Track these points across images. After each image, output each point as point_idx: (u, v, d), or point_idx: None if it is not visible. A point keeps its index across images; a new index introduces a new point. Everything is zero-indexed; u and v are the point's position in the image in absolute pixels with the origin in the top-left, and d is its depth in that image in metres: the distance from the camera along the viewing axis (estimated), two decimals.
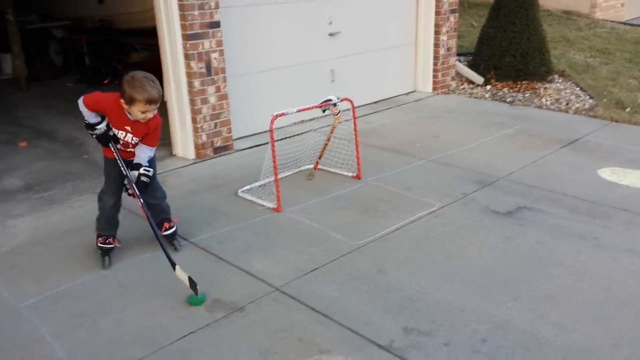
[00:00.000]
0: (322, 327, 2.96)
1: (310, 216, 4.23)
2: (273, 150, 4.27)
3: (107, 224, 3.63)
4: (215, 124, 5.52)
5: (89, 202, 4.52)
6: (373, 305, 3.14)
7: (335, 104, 4.67)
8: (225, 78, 5.49)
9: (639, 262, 3.52)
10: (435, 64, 7.86)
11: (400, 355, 2.74)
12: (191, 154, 5.51)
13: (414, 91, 8.00)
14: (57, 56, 10.02)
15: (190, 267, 3.43)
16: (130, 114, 3.28)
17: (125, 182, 3.45)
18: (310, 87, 6.45)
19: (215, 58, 5.36)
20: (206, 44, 5.28)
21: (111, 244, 3.64)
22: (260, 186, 4.65)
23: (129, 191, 3.47)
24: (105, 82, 8.93)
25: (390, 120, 6.71)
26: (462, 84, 8.15)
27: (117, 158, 3.40)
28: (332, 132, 4.86)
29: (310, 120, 6.47)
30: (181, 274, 3.21)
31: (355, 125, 4.87)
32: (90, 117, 3.33)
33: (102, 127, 3.35)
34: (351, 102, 4.78)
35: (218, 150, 5.59)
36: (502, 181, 4.82)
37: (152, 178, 3.51)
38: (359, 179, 4.89)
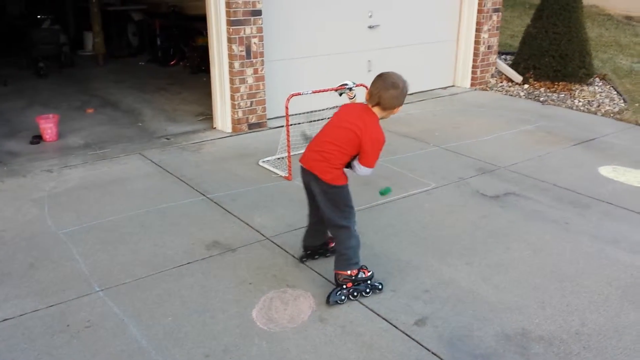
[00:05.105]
0: (295, 269, 3.53)
1: None
2: (287, 126, 4.85)
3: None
4: (251, 102, 6.16)
5: (135, 160, 5.32)
6: None
7: (350, 89, 5.17)
8: (263, 62, 6.11)
9: (597, 246, 3.84)
10: (474, 61, 8.17)
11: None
12: (228, 127, 6.19)
13: (452, 86, 8.34)
14: (134, 37, 11.06)
15: (201, 216, 4.12)
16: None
17: None
18: (346, 76, 6.89)
19: (254, 43, 6.00)
20: (247, 30, 5.93)
21: None
22: (278, 158, 5.24)
23: None
24: (172, 63, 9.83)
25: (419, 111, 7.12)
26: (501, 82, 8.39)
27: None
28: None
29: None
30: None
31: None
32: None
33: None
34: (367, 87, 5.25)
35: (252, 127, 6.24)
36: (502, 170, 5.17)
37: None
38: None
